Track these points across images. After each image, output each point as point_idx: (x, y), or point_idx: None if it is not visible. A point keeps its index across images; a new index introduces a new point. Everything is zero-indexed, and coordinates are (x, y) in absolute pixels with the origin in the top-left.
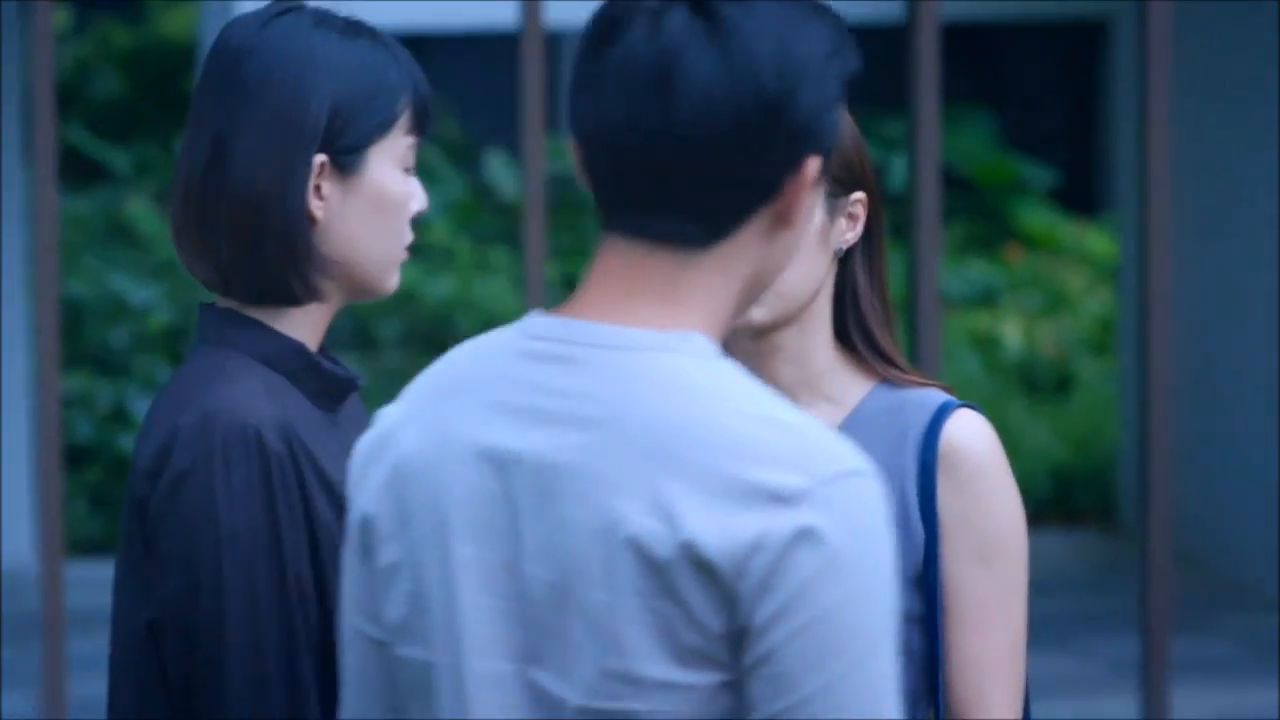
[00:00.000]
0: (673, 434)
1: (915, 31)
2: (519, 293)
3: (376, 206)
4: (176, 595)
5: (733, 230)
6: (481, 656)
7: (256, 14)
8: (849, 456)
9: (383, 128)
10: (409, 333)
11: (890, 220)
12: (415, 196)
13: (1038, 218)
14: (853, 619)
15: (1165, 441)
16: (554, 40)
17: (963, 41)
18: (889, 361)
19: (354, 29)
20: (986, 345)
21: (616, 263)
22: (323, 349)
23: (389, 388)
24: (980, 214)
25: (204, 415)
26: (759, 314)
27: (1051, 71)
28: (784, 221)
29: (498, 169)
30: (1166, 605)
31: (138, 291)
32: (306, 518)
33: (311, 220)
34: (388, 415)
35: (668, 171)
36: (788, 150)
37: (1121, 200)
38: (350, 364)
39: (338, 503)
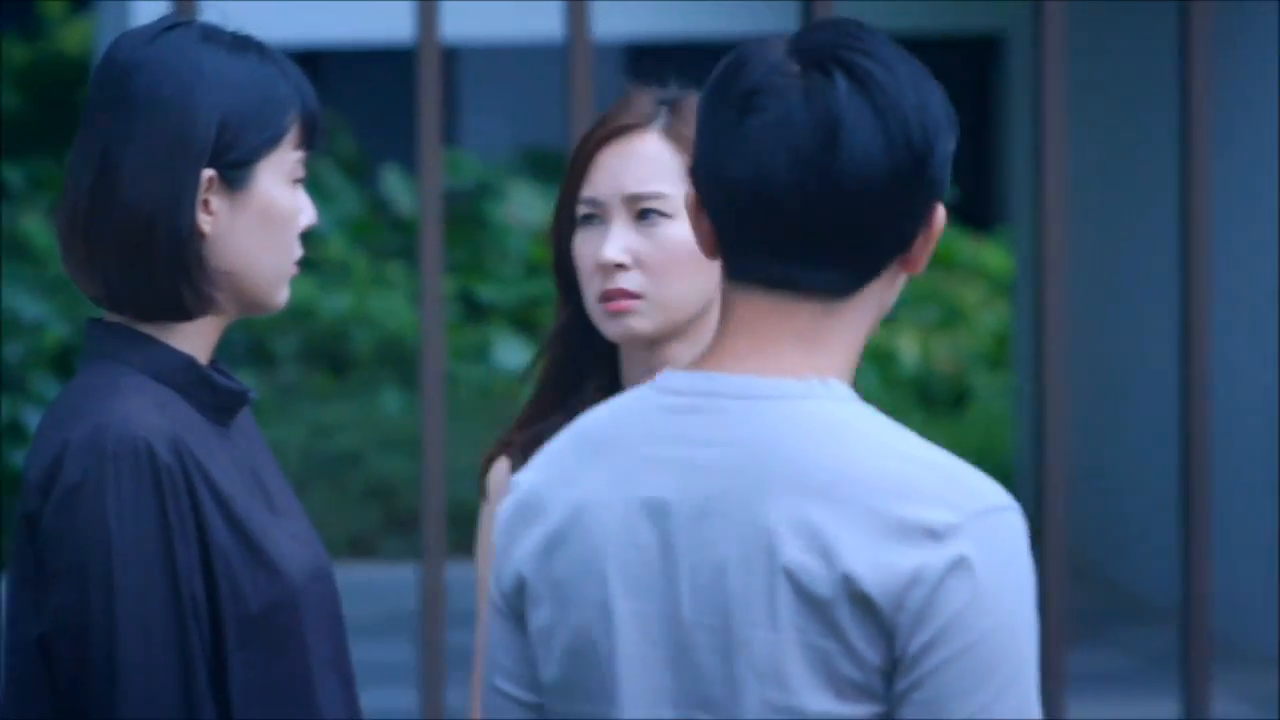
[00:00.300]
0: (825, 475)
1: None
2: (415, 308)
3: (265, 221)
4: (68, 609)
5: (874, 278)
6: (644, 707)
7: (145, 29)
8: (994, 493)
9: (271, 142)
10: (305, 348)
11: None
12: (304, 210)
13: None
14: (1001, 646)
15: (1061, 455)
16: (450, 55)
17: None
18: None
19: (242, 44)
20: (883, 360)
21: (754, 313)
22: (214, 362)
23: (286, 403)
24: None
25: (95, 429)
26: (641, 324)
27: (946, 86)
28: (911, 265)
29: (394, 184)
30: (1063, 617)
31: (31, 307)
32: (198, 530)
33: (200, 235)
34: (528, 480)
35: (828, 226)
36: (926, 200)
37: (1017, 215)
38: (247, 379)
39: (230, 515)
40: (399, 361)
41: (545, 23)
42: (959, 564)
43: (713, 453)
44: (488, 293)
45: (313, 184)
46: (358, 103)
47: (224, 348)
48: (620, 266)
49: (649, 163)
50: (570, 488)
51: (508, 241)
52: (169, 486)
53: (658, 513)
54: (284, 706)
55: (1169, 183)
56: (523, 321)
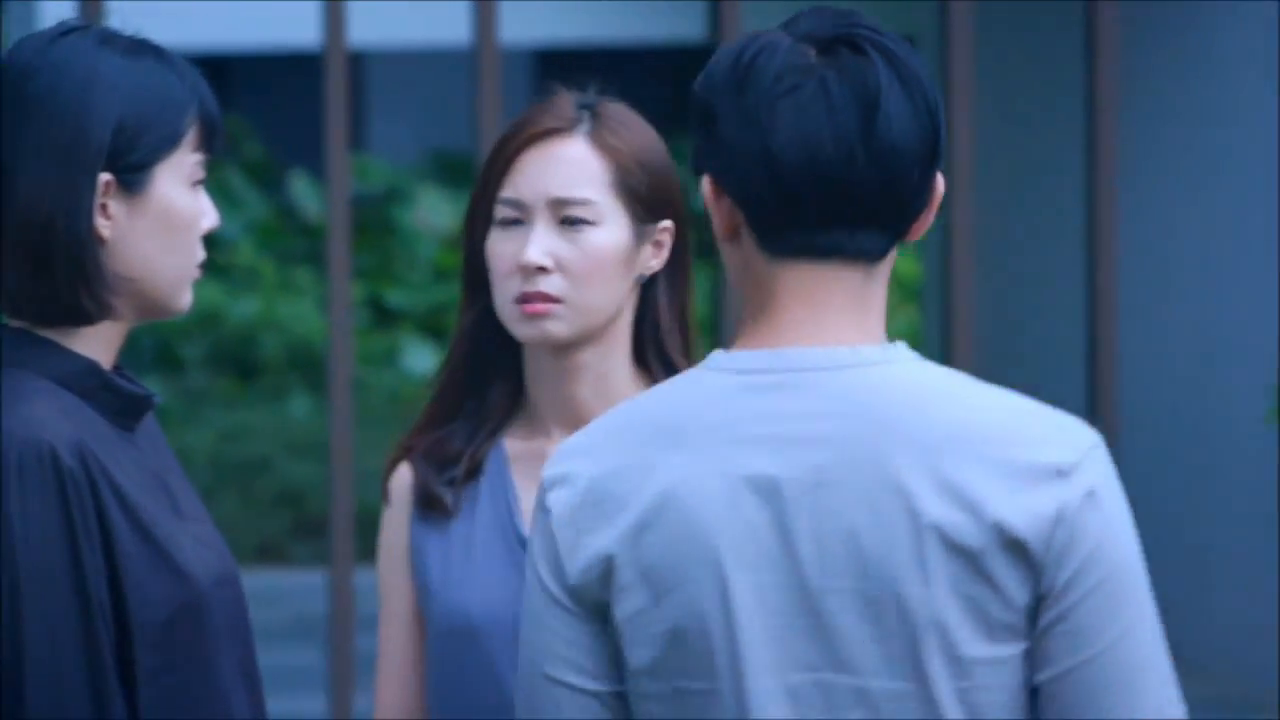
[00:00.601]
0: (943, 432)
1: (718, 50)
2: (324, 313)
3: (164, 224)
4: None
5: (900, 242)
6: (771, 675)
7: (41, 34)
8: (1088, 429)
9: (168, 145)
10: (213, 353)
11: (697, 240)
12: (206, 213)
13: None
14: (1133, 570)
15: None
16: (358, 60)
17: None
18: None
19: (138, 48)
20: None
21: (802, 285)
22: (118, 367)
23: (194, 408)
24: None
25: None
26: (558, 328)
27: None
28: (914, 233)
29: (302, 190)
30: None
31: None
32: (103, 535)
33: (99, 240)
34: (585, 473)
35: (873, 192)
36: (935, 169)
37: None
38: (154, 385)
39: (135, 521)
40: (307, 367)
41: (452, 28)
42: (1089, 497)
43: (816, 425)
44: (396, 298)
45: (220, 190)
46: (265, 108)
47: (131, 353)
48: (542, 269)
49: (575, 167)
50: (649, 475)
51: (416, 247)
52: (73, 492)
53: (766, 489)
54: (191, 711)
55: (1078, 187)
56: (431, 327)
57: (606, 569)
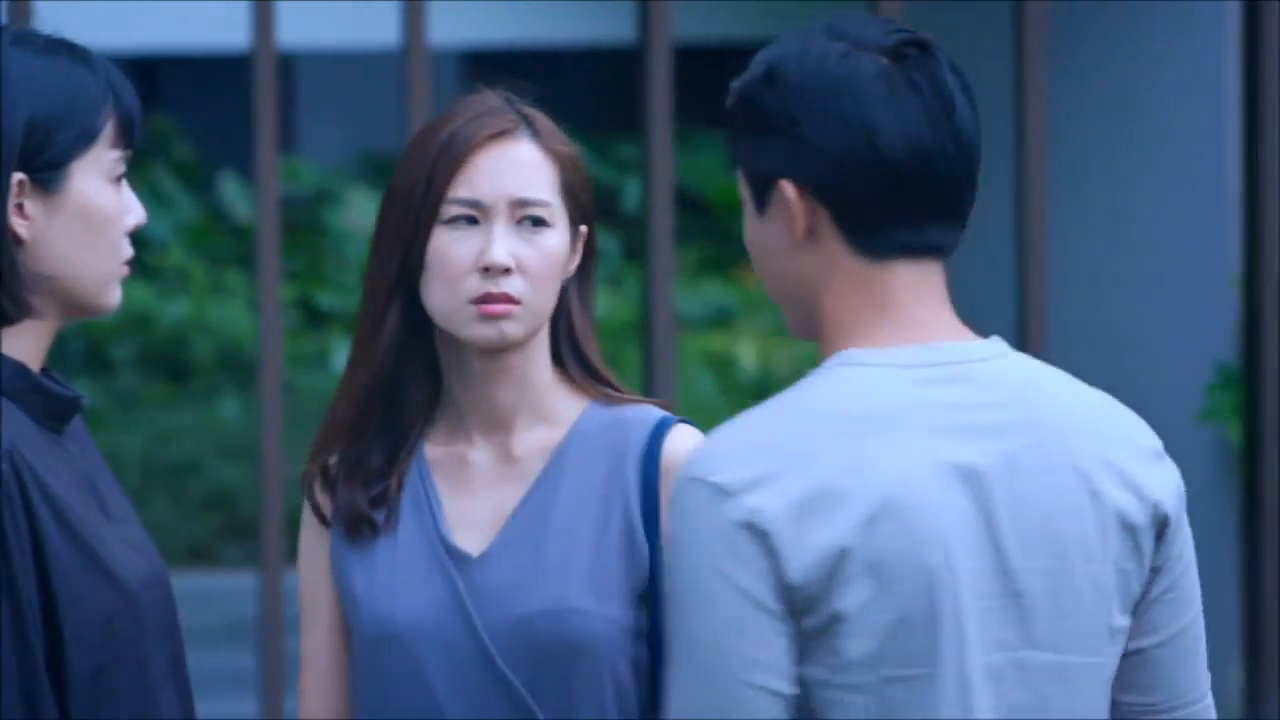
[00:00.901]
0: (1088, 417)
1: (648, 53)
2: (254, 315)
3: (83, 222)
4: None
5: None
6: (983, 657)
7: None
8: None
9: (83, 142)
10: (143, 355)
11: (626, 242)
12: (131, 210)
13: None
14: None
15: None
16: (287, 61)
17: (695, 63)
18: (602, 380)
19: (53, 47)
20: (722, 366)
21: (907, 284)
22: (46, 369)
23: (124, 411)
24: (715, 236)
25: None
26: (515, 330)
27: None
28: None
29: (231, 191)
30: None
31: None
32: (33, 537)
33: (16, 240)
34: (799, 476)
35: (960, 187)
36: None
37: None
38: (84, 387)
39: (65, 523)
40: (238, 369)
41: (381, 29)
42: (1179, 477)
43: (995, 415)
44: (326, 300)
45: (150, 191)
46: (195, 110)
47: (61, 355)
48: (505, 270)
49: (530, 169)
50: (864, 467)
51: (346, 248)
52: (3, 493)
53: (969, 477)
54: (122, 712)
55: (1004, 183)
56: None
57: (837, 562)
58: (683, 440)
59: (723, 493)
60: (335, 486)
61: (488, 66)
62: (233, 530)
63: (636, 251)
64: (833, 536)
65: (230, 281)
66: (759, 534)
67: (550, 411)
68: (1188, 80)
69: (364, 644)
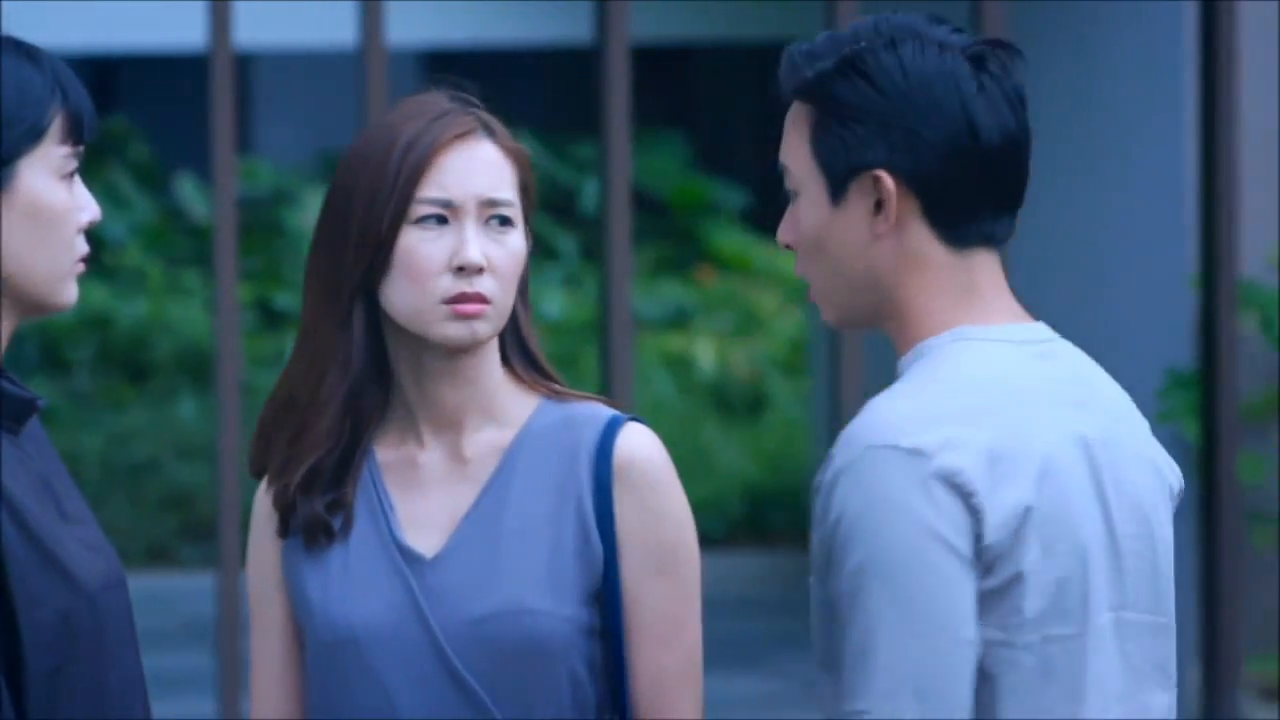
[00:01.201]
0: (1125, 401)
1: (605, 53)
2: (212, 316)
3: (33, 219)
4: None
5: None
6: (1101, 614)
7: None
8: None
9: (30, 139)
10: (101, 355)
11: (583, 243)
12: (85, 207)
13: (730, 239)
14: None
15: None
16: (244, 61)
17: (653, 64)
18: (547, 376)
19: None
20: (679, 366)
21: (984, 272)
22: (1, 370)
23: (82, 411)
24: (672, 236)
25: None
26: (485, 329)
27: (741, 93)
28: None
29: (189, 191)
30: None
31: None
32: None
33: None
34: (976, 438)
35: (1026, 178)
36: None
37: None
38: (41, 387)
39: (22, 524)
40: (196, 369)
41: (339, 30)
42: None
43: (1079, 390)
44: (284, 300)
45: (107, 191)
46: (152, 110)
47: (17, 356)
48: (479, 270)
49: (495, 169)
50: (1022, 434)
51: (304, 248)
52: None
53: (1085, 446)
54: (80, 713)
55: None
56: None
57: (1021, 522)
58: (636, 438)
59: (921, 455)
60: (296, 501)
61: (445, 67)
62: (191, 530)
63: (594, 252)
64: (1020, 496)
65: (188, 282)
66: (964, 493)
67: (500, 411)
68: (1144, 81)
69: (319, 648)
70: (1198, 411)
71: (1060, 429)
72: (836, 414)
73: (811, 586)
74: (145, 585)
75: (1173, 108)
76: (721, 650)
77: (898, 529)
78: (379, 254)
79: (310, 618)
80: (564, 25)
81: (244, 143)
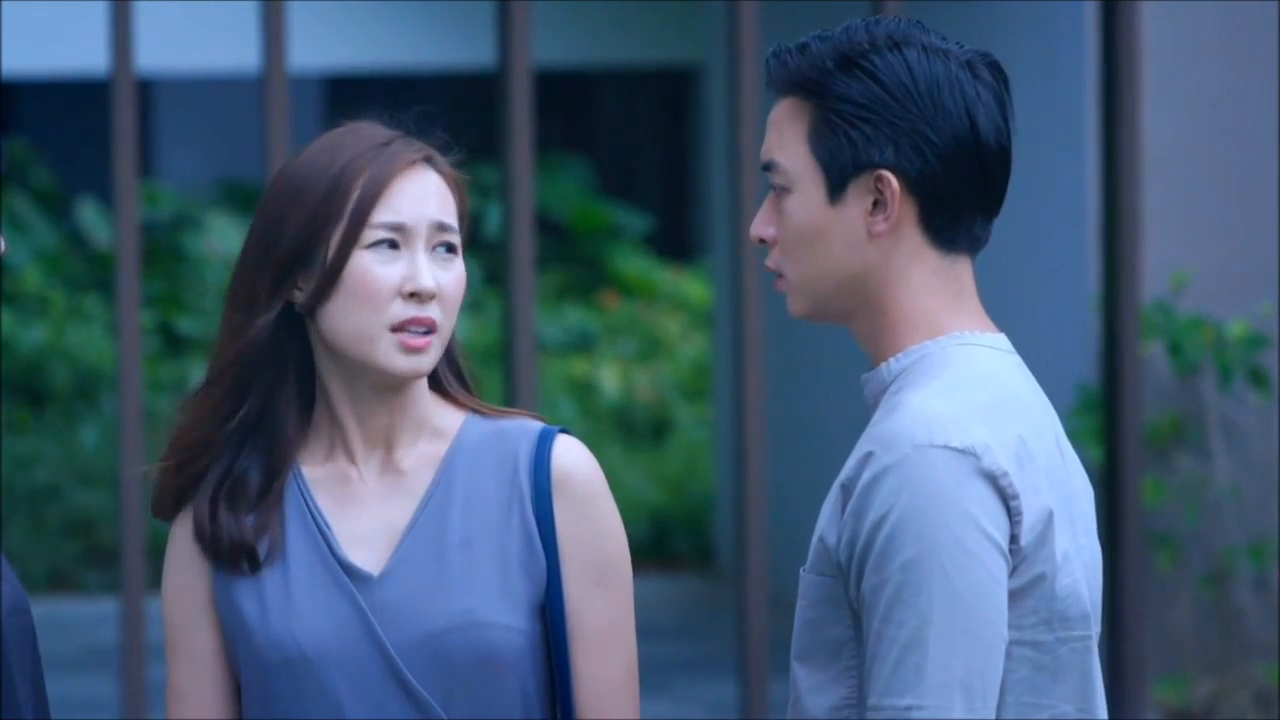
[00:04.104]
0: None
1: (508, 79)
2: (113, 340)
3: None
4: None
5: None
6: (1099, 618)
7: None
8: None
9: None
10: (2, 381)
11: (487, 267)
12: None
13: (633, 264)
14: None
15: (760, 486)
16: (146, 86)
17: (556, 89)
18: (472, 393)
19: None
20: (584, 391)
21: (967, 278)
22: None
23: None
24: (576, 261)
25: None
26: (429, 362)
27: (644, 118)
28: None
29: (90, 216)
30: (764, 648)
31: None
32: None
33: None
34: (1004, 438)
35: (1007, 185)
36: None
37: (715, 246)
38: None
39: None
40: (97, 394)
41: (242, 55)
42: None
43: (1043, 399)
44: (186, 325)
45: (8, 217)
46: (53, 135)
47: None
48: (433, 296)
49: (442, 196)
50: (1032, 440)
51: (206, 273)
52: None
53: (1061, 454)
54: None
55: None
56: None
57: (1046, 524)
58: (571, 450)
59: (969, 455)
60: (215, 517)
61: (348, 92)
62: (93, 556)
63: (498, 276)
64: (1044, 499)
65: (89, 307)
66: (1007, 495)
67: (430, 424)
68: (1047, 105)
69: (261, 669)
70: (1101, 435)
71: (1047, 435)
72: (740, 438)
73: (805, 579)
74: (48, 610)
75: (1076, 129)
76: None
77: (953, 526)
78: (326, 278)
79: (247, 638)
80: (466, 50)
81: (146, 167)
